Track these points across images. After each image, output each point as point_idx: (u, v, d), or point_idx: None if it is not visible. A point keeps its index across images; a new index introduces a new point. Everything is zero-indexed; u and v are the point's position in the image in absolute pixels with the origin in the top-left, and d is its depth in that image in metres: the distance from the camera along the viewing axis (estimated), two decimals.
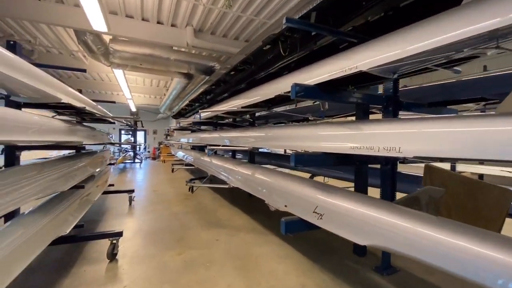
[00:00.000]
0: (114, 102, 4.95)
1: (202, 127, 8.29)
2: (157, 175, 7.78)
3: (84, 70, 2.61)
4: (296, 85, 1.79)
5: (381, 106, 2.32)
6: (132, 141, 11.16)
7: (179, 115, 10.14)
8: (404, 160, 2.47)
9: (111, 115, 3.66)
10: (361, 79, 2.30)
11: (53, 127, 2.01)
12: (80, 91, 4.08)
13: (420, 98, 2.74)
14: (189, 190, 3.97)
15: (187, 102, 6.05)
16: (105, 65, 4.47)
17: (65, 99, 2.03)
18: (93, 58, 4.30)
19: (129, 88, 7.64)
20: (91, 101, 3.24)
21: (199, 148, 7.70)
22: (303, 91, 1.82)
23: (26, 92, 1.81)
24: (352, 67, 1.60)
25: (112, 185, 4.52)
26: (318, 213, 1.69)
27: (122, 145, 11.89)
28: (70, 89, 2.27)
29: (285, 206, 2.02)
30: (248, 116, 4.59)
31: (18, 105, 2.04)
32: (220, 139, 4.34)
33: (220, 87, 4.56)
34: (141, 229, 3.12)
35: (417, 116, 1.56)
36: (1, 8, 3.25)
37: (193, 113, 7.36)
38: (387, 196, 2.22)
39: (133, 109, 12.41)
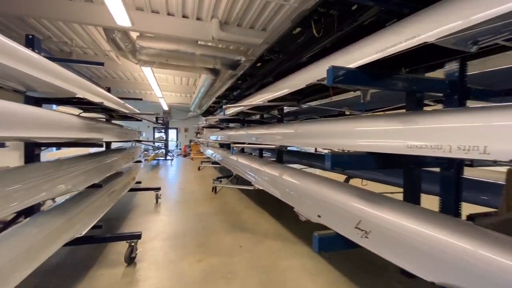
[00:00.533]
0: (141, 99, 4.97)
1: (230, 125, 8.16)
2: (186, 173, 7.83)
3: (102, 64, 2.52)
4: (333, 68, 1.44)
5: (441, 95, 1.85)
6: (164, 139, 11.51)
7: (208, 113, 10.16)
8: (472, 163, 1.98)
9: (137, 111, 3.60)
10: (416, 59, 1.86)
11: (70, 124, 1.91)
12: (109, 89, 4.12)
13: (491, 84, 2.18)
14: (212, 191, 3.79)
15: (214, 99, 5.92)
16: (133, 62, 4.48)
17: (80, 94, 1.92)
18: (122, 56, 4.32)
19: (160, 87, 7.78)
20: (116, 98, 3.19)
21: (227, 146, 7.58)
22: (343, 76, 1.46)
23: (39, 87, 1.72)
24: (411, 39, 1.21)
25: (140, 182, 4.53)
26: (362, 230, 1.33)
27: (155, 143, 12.33)
28: (88, 84, 2.17)
29: (318, 216, 1.68)
30: (276, 111, 4.28)
31: (36, 101, 1.98)
32: (247, 137, 4.10)
33: (246, 81, 4.30)
34: (163, 231, 3.00)
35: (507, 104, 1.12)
36: (34, 9, 3.34)
37: (220, 110, 7.24)
38: (450, 209, 1.76)
39: (165, 108, 12.79)
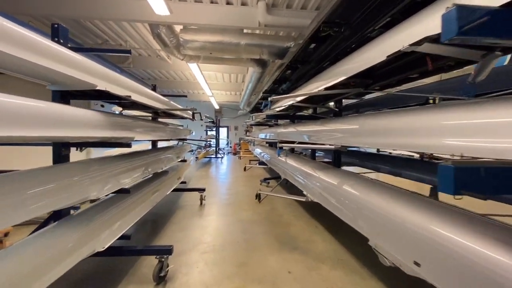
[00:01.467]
0: (185, 96, 4.83)
1: (280, 122, 7.65)
2: (234, 172, 7.63)
3: (129, 52, 2.27)
4: (459, 8, 0.79)
5: None
6: (214, 137, 11.69)
7: (256, 110, 9.85)
8: None
9: (179, 107, 3.38)
10: None
11: (94, 121, 1.65)
12: (154, 88, 4.02)
13: None
14: (256, 198, 3.33)
15: (261, 95, 5.48)
16: (179, 58, 4.33)
17: (101, 86, 1.65)
18: (168, 53, 4.20)
19: (209, 85, 7.74)
20: (155, 94, 2.99)
21: (275, 145, 7.09)
22: (479, 21, 0.79)
23: (54, 78, 1.48)
24: None
25: (185, 182, 4.38)
26: None
27: (206, 141, 12.63)
28: (114, 76, 1.93)
29: (416, 264, 1.04)
30: (332, 104, 3.58)
31: (63, 97, 1.79)
32: (297, 134, 3.53)
33: (296, 70, 3.72)
34: (202, 241, 2.66)
35: None
36: (80, 9, 3.37)
37: (266, 104, 6.78)
38: None
39: (216, 106, 12.99)
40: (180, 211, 3.71)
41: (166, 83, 9.35)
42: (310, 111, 4.55)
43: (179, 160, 4.19)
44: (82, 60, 1.62)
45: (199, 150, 10.17)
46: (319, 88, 2.38)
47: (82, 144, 1.90)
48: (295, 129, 3.79)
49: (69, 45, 1.85)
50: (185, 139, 4.44)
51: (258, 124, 9.38)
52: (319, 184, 2.22)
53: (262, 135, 6.92)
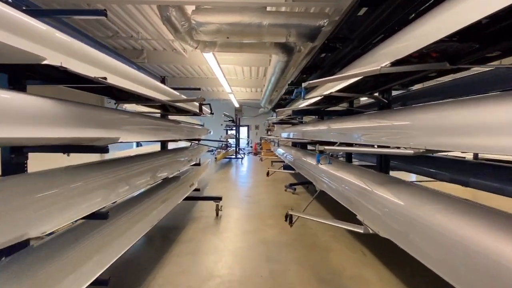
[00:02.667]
0: (199, 89, 4.28)
1: (305, 119, 6.89)
2: (255, 175, 6.99)
3: (104, 14, 1.68)
4: None
5: None
6: (232, 136, 11.16)
7: (278, 107, 9.14)
8: None
9: (184, 97, 2.80)
10: None
11: (47, 115, 1.08)
12: (163, 80, 3.49)
13: None
14: (286, 220, 2.56)
15: (286, 87, 4.77)
16: (193, 47, 3.76)
17: (54, 60, 1.07)
18: (180, 40, 3.64)
19: (228, 81, 7.17)
20: (157, 83, 2.42)
21: (301, 146, 6.33)
22: None
23: None
24: None
25: (198, 189, 3.80)
26: None
27: (223, 141, 12.14)
28: (87, 50, 1.34)
29: None
30: (380, 95, 2.81)
31: (14, 80, 1.24)
32: (329, 133, 2.80)
33: (335, 51, 2.97)
34: (212, 274, 2.03)
35: None
36: None
37: (293, 103, 6.03)
38: None
39: (236, 105, 12.45)
40: (192, 224, 3.12)
41: (184, 80, 8.94)
42: (342, 105, 3.78)
43: (192, 164, 3.61)
44: (30, 25, 1.05)
45: (219, 150, 9.68)
46: (372, 69, 1.63)
47: (36, 149, 1.33)
48: (327, 127, 3.06)
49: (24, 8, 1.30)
50: (199, 140, 3.85)
51: (281, 122, 8.66)
52: (385, 208, 1.48)
53: (285, 134, 6.21)
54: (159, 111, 3.33)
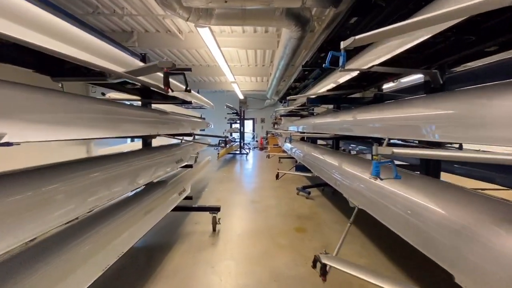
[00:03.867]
0: (190, 69, 3.49)
1: (316, 111, 6.09)
2: (262, 173, 6.24)
3: None
4: None
5: None
6: (238, 130, 10.38)
7: (288, 96, 8.30)
8: None
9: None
10: None
11: None
12: (143, 57, 2.74)
13: None
14: (313, 267, 1.78)
15: (299, 71, 3.96)
16: (183, 18, 2.98)
17: None
18: (167, 9, 2.86)
19: (231, 69, 6.37)
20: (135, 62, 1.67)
21: (312, 141, 5.53)
22: None
23: None
24: None
25: (190, 197, 3.06)
26: None
27: (223, 137, 11.39)
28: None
29: None
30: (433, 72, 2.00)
31: None
32: (366, 125, 2.03)
33: (370, 15, 2.15)
34: None
35: None
36: None
37: (305, 91, 5.20)
38: None
39: (240, 96, 11.65)
40: (181, 243, 2.41)
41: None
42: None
43: (184, 165, 2.87)
44: None
45: (222, 145, 8.94)
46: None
47: None
48: (352, 118, 2.29)
49: None
50: (193, 135, 3.10)
51: (291, 114, 7.85)
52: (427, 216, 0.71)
53: (293, 128, 5.42)
54: (139, 98, 2.60)
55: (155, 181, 2.64)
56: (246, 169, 6.85)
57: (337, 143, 3.93)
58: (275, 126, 12.16)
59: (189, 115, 3.77)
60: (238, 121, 10.46)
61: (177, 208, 2.65)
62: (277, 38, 5.32)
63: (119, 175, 1.72)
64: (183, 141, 3.10)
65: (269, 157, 7.81)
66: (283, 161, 7.90)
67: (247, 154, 9.81)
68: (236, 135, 11.43)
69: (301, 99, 4.49)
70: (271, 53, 6.79)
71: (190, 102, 2.78)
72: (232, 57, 7.23)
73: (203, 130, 9.57)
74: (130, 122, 1.80)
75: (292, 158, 6.30)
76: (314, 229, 2.78)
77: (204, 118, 7.89)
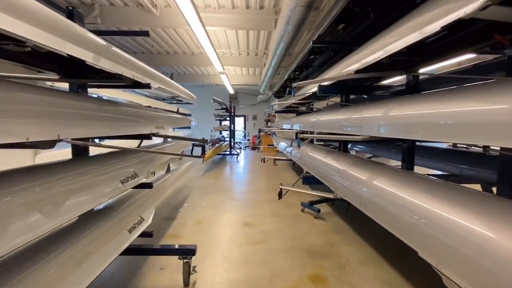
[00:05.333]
0: (147, 32, 2.50)
1: (316, 106, 5.23)
2: (255, 180, 5.29)
3: None
4: None
5: None
6: (228, 128, 9.36)
7: (282, 92, 7.38)
8: None
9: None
10: None
11: None
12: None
13: None
14: None
15: (309, 47, 3.02)
16: None
17: None
18: None
19: (219, 57, 5.36)
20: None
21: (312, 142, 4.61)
22: None
23: None
24: None
25: (151, 234, 2.04)
26: None
27: (213, 135, 10.37)
28: None
29: None
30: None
31: None
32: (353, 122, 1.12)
33: None
34: None
35: None
36: None
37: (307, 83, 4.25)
38: None
39: (231, 91, 10.62)
40: None
41: (162, 57, 7.09)
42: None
43: (137, 183, 1.85)
44: None
45: (216, 144, 7.92)
46: None
47: None
48: (382, 113, 1.41)
49: None
50: (161, 136, 2.07)
51: (286, 110, 6.93)
52: None
53: (287, 126, 4.48)
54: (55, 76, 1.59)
55: (92, 209, 1.65)
56: (236, 174, 5.88)
57: (344, 147, 3.03)
58: (268, 124, 11.24)
59: (158, 109, 2.77)
60: (228, 118, 9.44)
61: (129, 251, 1.69)
62: (274, 15, 4.36)
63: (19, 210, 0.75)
64: (140, 144, 2.09)
65: (264, 161, 6.83)
66: (278, 163, 6.99)
67: (238, 154, 8.83)
68: (226, 134, 10.42)
69: (305, 90, 3.56)
70: (266, 36, 5.81)
71: (147, 86, 1.78)
72: (219, 41, 6.21)
73: (188, 128, 8.49)
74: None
75: (289, 160, 5.38)
76: (338, 278, 1.85)
77: (190, 115, 6.86)
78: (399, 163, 3.79)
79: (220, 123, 11.42)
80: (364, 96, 3.43)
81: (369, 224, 2.35)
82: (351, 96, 3.79)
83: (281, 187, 2.67)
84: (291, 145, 2.78)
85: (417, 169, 2.21)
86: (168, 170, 3.01)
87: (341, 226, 2.79)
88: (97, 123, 1.43)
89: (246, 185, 4.77)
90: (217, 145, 8.38)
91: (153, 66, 3.21)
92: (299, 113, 6.65)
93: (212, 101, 7.21)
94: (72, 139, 1.16)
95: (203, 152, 1.84)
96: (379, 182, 1.67)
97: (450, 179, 1.74)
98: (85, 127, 1.30)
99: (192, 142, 1.90)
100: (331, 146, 4.46)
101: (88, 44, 1.28)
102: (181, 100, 6.71)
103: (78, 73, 1.65)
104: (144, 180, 1.86)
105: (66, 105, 1.17)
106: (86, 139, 1.71)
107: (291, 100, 4.27)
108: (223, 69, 6.35)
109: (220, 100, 7.90)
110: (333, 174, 2.22)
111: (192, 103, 7.01)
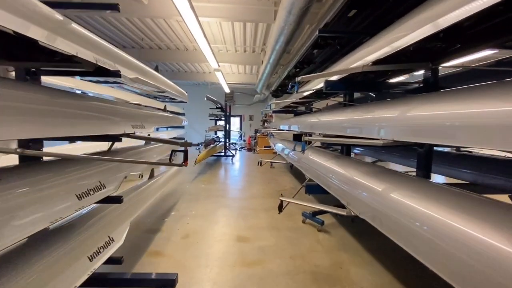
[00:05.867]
0: (117, 6, 2.14)
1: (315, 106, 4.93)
2: (251, 184, 4.94)
3: None
4: None
5: None
6: (223, 128, 8.98)
7: (280, 92, 7.03)
8: None
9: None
10: None
11: None
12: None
13: None
14: None
15: (315, 36, 2.69)
16: None
17: None
18: None
19: (214, 52, 5.00)
20: None
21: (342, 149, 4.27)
22: None
23: None
24: None
25: (120, 261, 1.66)
26: None
27: (208, 135, 9.99)
28: None
29: None
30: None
31: None
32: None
33: None
34: None
35: None
36: None
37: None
38: None
39: (227, 90, 10.24)
40: None
41: (154, 52, 6.70)
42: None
43: (102, 197, 1.47)
44: None
45: (210, 145, 7.54)
46: None
47: None
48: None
49: None
50: (128, 135, 1.70)
51: (284, 110, 6.59)
52: None
53: (286, 126, 4.14)
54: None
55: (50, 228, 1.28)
56: (231, 177, 5.52)
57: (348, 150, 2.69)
58: (265, 124, 10.89)
59: (138, 105, 2.39)
60: (223, 118, 9.07)
61: (90, 283, 1.32)
62: (274, 6, 4.02)
63: None
64: (110, 149, 1.72)
65: (261, 165, 6.46)
66: (275, 165, 6.65)
67: (233, 156, 8.47)
68: (221, 134, 10.03)
69: (309, 87, 3.21)
70: (264, 30, 5.46)
71: (117, 75, 1.41)
72: (214, 36, 5.84)
73: (182, 128, 8.08)
74: None
75: (287, 162, 5.04)
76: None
77: (183, 114, 6.46)
78: (402, 167, 3.51)
79: (216, 123, 11.03)
80: (372, 94, 3.11)
81: (380, 239, 2.03)
82: (354, 95, 3.51)
83: (281, 198, 2.31)
84: (293, 149, 2.42)
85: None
86: (151, 176, 2.63)
87: (348, 242, 2.45)
88: (48, 120, 1.06)
89: (241, 190, 4.41)
90: (211, 145, 8.01)
91: (144, 62, 2.84)
92: (297, 114, 6.33)
93: (205, 99, 6.83)
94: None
95: (186, 158, 1.49)
96: (403, 195, 1.35)
97: (469, 189, 1.45)
98: (31, 125, 0.94)
99: (172, 148, 1.51)
100: (331, 149, 4.14)
101: (34, 17, 0.92)
102: (174, 99, 6.34)
103: (26, 56, 1.28)
104: (113, 193, 1.49)
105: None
106: (32, 141, 1.34)
107: (293, 97, 3.92)
108: (218, 66, 5.99)
109: (215, 99, 7.53)
110: (343, 184, 1.87)
111: (186, 102, 6.64)
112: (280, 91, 6.95)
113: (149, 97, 5.13)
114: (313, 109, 5.64)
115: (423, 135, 1.21)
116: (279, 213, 2.44)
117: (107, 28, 5.33)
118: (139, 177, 4.41)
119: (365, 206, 1.59)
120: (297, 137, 7.55)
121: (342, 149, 3.66)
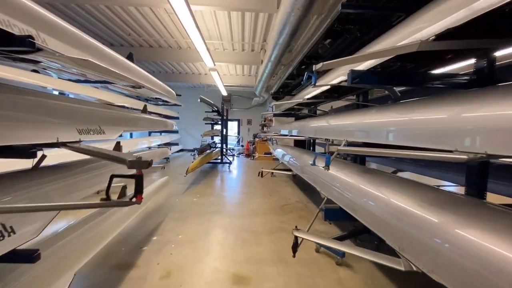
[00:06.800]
0: None
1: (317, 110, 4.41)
2: (251, 198, 4.35)
3: None
4: None
5: None
6: (219, 133, 8.39)
7: (281, 93, 6.48)
8: None
9: None
10: None
11: None
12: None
13: None
14: None
15: (326, 24, 2.16)
16: None
17: None
18: None
19: (208, 48, 4.46)
20: None
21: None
22: None
23: None
24: None
25: None
26: None
27: (204, 140, 9.42)
28: None
29: None
30: None
31: None
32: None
33: None
34: None
35: None
36: None
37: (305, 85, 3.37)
38: None
39: (224, 92, 9.69)
40: None
41: (145, 51, 6.14)
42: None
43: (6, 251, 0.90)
44: None
45: (206, 151, 6.95)
46: None
47: None
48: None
49: None
50: (63, 144, 1.13)
51: (285, 113, 6.06)
52: None
53: (287, 131, 3.56)
54: None
55: None
56: (228, 189, 4.92)
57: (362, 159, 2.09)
58: (264, 129, 10.32)
59: (105, 104, 1.82)
60: (220, 122, 8.50)
61: None
62: None
63: None
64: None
65: (262, 176, 5.79)
66: (276, 174, 6.06)
67: (230, 163, 7.87)
68: (218, 139, 9.45)
69: (328, 80, 2.67)
70: (265, 24, 4.93)
71: (27, 43, 0.85)
72: (209, 30, 5.30)
73: (175, 132, 7.47)
74: None
75: (289, 170, 4.45)
76: None
77: (177, 118, 5.87)
78: (405, 174, 2.96)
79: (212, 128, 10.43)
80: (395, 92, 2.55)
81: (420, 276, 1.45)
82: (352, 96, 2.99)
83: (296, 234, 1.68)
84: (313, 163, 1.82)
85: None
86: (123, 195, 2.03)
87: (379, 282, 1.87)
88: None
89: (238, 205, 3.81)
90: (207, 151, 7.41)
91: (135, 62, 2.40)
92: (298, 118, 5.79)
93: (199, 100, 6.27)
94: None
95: (139, 190, 0.91)
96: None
97: None
98: None
99: (111, 173, 0.93)
100: (349, 158, 3.58)
101: None
102: (167, 101, 5.77)
103: None
104: (25, 242, 0.90)
105: None
106: None
107: (291, 101, 3.37)
108: (214, 65, 5.45)
109: (211, 101, 6.97)
110: (391, 218, 1.28)
111: (179, 105, 6.08)
112: (282, 92, 6.42)
113: (139, 99, 4.57)
114: (317, 112, 5.12)
115: None
116: (293, 256, 1.82)
117: (89, 22, 4.78)
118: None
119: (434, 255, 1.01)
120: (300, 143, 6.99)
121: (355, 158, 3.12)
